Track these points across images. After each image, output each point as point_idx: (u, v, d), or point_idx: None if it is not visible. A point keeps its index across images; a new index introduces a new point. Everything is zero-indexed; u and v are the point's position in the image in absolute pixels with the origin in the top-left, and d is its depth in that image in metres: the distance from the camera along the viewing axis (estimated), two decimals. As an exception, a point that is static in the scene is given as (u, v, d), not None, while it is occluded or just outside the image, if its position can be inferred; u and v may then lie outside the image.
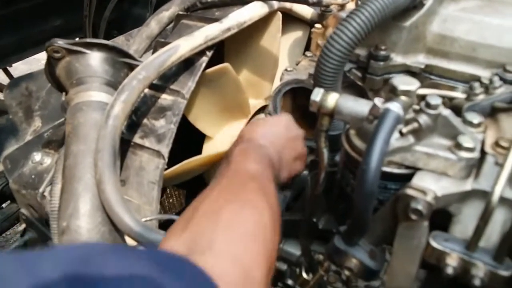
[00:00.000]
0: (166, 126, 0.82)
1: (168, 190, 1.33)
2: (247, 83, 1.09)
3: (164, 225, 0.92)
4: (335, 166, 0.67)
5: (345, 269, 0.54)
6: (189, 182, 1.18)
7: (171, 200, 1.34)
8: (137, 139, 0.84)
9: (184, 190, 1.36)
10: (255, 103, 1.13)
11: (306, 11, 1.10)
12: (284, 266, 0.84)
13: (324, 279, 0.73)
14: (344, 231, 0.55)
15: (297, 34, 1.16)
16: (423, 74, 0.75)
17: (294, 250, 0.83)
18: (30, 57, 1.76)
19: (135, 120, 0.85)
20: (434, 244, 0.49)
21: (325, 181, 0.64)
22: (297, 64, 1.01)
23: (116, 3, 1.61)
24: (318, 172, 0.63)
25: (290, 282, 0.83)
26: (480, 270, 0.46)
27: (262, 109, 1.12)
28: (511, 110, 0.54)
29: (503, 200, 0.46)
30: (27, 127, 1.00)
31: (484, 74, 0.69)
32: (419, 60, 0.75)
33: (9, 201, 1.26)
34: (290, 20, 1.11)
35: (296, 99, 1.00)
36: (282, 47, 1.12)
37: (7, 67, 1.79)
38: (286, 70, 0.97)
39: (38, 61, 2.30)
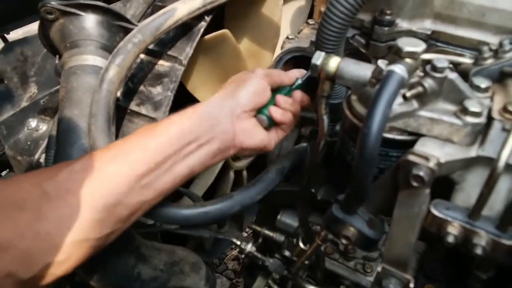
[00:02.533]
0: (163, 93, 0.80)
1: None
2: (247, 53, 1.06)
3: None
4: (335, 136, 0.65)
5: (342, 238, 0.53)
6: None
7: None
8: (133, 106, 0.82)
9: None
10: (255, 73, 1.10)
11: (310, -23, 1.06)
12: (281, 238, 0.84)
13: (322, 250, 0.72)
14: (342, 199, 0.53)
15: (300, 2, 1.13)
16: (429, 41, 0.73)
17: (292, 221, 0.82)
18: (27, 24, 1.73)
19: (131, 87, 0.82)
20: (435, 212, 0.47)
21: (324, 149, 0.62)
22: (299, 33, 0.98)
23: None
24: (317, 140, 0.61)
25: (287, 253, 0.82)
26: (482, 239, 0.45)
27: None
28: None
29: (509, 167, 0.44)
30: (22, 93, 0.97)
31: (493, 40, 0.66)
32: (426, 26, 0.72)
33: (8, 170, 1.25)
34: (293, -13, 1.08)
35: (297, 68, 0.97)
36: (285, 16, 1.09)
37: (5, 35, 1.76)
38: (287, 38, 0.94)
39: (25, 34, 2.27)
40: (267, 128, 0.67)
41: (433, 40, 0.72)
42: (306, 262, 0.67)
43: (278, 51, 1.04)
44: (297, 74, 0.69)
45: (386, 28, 0.71)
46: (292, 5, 1.12)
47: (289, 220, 0.81)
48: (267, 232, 0.84)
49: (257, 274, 0.89)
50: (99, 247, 0.55)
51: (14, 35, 1.79)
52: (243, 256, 0.81)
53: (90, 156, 0.54)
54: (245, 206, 0.70)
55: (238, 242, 0.81)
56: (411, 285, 0.50)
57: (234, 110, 0.62)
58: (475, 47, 0.67)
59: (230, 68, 0.99)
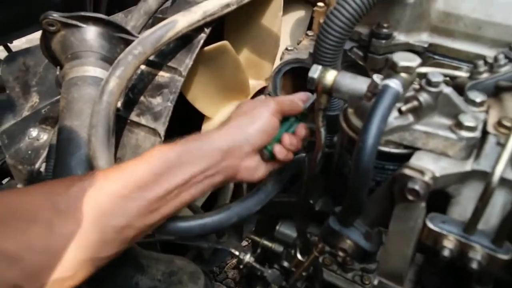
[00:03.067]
0: (163, 103, 0.81)
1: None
2: (247, 63, 1.07)
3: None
4: (333, 147, 0.65)
5: (339, 250, 0.53)
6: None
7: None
8: (133, 116, 0.82)
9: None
10: (255, 84, 1.11)
11: (309, -11, 1.07)
12: (280, 248, 0.84)
13: (320, 261, 0.72)
14: (339, 212, 0.53)
15: (299, 14, 1.14)
16: (426, 54, 0.73)
17: (291, 232, 0.82)
18: (30, 34, 1.74)
19: (131, 97, 0.83)
20: (431, 225, 0.47)
21: (322, 161, 0.62)
22: (298, 44, 0.99)
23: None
24: (315, 151, 0.62)
25: (286, 264, 0.82)
26: (478, 253, 0.45)
27: (262, 90, 1.10)
28: (516, 90, 0.52)
29: (503, 181, 0.44)
30: (24, 102, 0.98)
31: (489, 53, 0.67)
32: (423, 38, 0.73)
33: (9, 178, 1.25)
34: (293, -1, 1.09)
35: (296, 79, 0.97)
36: (284, 27, 1.10)
37: (8, 44, 1.77)
38: (286, 49, 0.95)
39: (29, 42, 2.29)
40: (267, 160, 0.67)
41: (430, 53, 0.73)
42: (304, 273, 0.67)
43: (277, 62, 1.05)
44: (303, 97, 0.68)
45: (384, 41, 0.72)
46: (291, 16, 1.13)
47: (287, 230, 0.82)
48: (265, 242, 0.84)
49: (255, 284, 0.89)
50: (102, 265, 0.55)
51: (17, 43, 1.81)
52: (241, 266, 0.81)
53: (103, 174, 0.55)
54: (243, 217, 0.70)
55: (237, 253, 0.81)
56: (407, 298, 0.51)
57: (243, 148, 0.62)
58: (472, 60, 0.67)
59: (230, 79, 1.00)
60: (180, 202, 0.58)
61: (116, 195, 0.53)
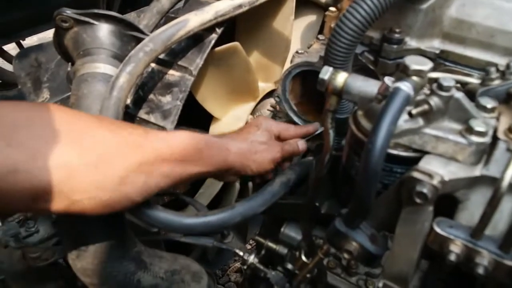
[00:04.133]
0: (172, 102, 0.81)
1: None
2: (257, 66, 1.07)
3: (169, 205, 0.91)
4: (341, 150, 0.65)
5: (344, 252, 0.53)
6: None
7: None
8: (142, 114, 0.83)
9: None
10: (264, 86, 1.11)
11: (322, -6, 1.07)
12: (284, 250, 0.83)
13: (324, 264, 0.72)
14: (345, 213, 0.53)
15: (311, 18, 1.14)
16: (438, 60, 0.73)
17: (295, 234, 0.81)
18: (42, 32, 1.76)
19: (141, 95, 0.84)
20: (438, 230, 0.47)
21: (329, 163, 0.62)
22: (308, 47, 0.99)
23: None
24: (322, 154, 0.62)
25: (290, 266, 0.81)
26: (484, 259, 0.45)
27: (271, 93, 1.10)
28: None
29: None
30: (35, 98, 0.99)
31: (501, 61, 0.66)
32: (435, 45, 0.72)
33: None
34: (305, 3, 1.09)
35: (305, 83, 0.97)
36: (296, 31, 1.10)
37: (20, 41, 1.80)
38: (297, 52, 0.95)
39: (40, 40, 2.31)
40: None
41: (441, 59, 0.73)
42: (308, 275, 0.67)
43: (287, 65, 1.05)
44: (310, 130, 0.86)
45: (395, 46, 0.72)
46: (303, 20, 1.14)
47: (292, 233, 0.81)
48: (270, 244, 0.84)
49: (258, 286, 0.88)
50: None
51: (29, 41, 1.83)
52: (245, 267, 0.81)
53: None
54: (248, 217, 0.70)
55: (241, 253, 0.81)
56: (412, 302, 0.50)
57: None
58: (483, 67, 0.67)
59: (240, 80, 1.01)
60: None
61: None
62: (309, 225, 0.70)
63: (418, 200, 0.46)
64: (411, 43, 0.73)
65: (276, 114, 1.10)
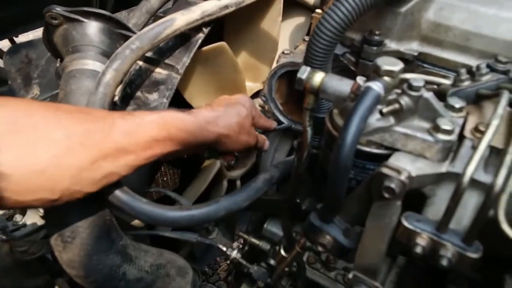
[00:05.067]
0: (159, 100, 0.83)
1: (162, 168, 1.35)
2: (245, 66, 1.09)
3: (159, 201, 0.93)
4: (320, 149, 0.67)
5: (318, 246, 0.55)
6: (184, 162, 1.20)
7: (165, 179, 1.34)
8: (129, 111, 0.84)
9: (178, 169, 1.37)
10: (252, 86, 1.13)
11: (309, -5, 1.10)
12: (267, 246, 0.85)
13: (303, 259, 0.74)
14: (320, 208, 0.55)
15: (299, 20, 1.16)
16: (416, 62, 0.75)
17: (278, 230, 0.83)
18: (36, 29, 1.77)
19: (129, 92, 0.85)
20: (405, 223, 0.49)
21: (307, 160, 0.64)
22: (295, 48, 1.01)
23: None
24: (301, 150, 0.64)
25: (272, 261, 0.83)
26: (448, 251, 0.47)
27: (258, 92, 1.12)
28: (495, 97, 0.54)
29: (475, 182, 0.46)
30: (25, 94, 1.01)
31: (477, 64, 0.69)
32: (413, 47, 0.75)
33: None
34: (293, 5, 1.11)
35: (291, 83, 1.00)
36: (284, 32, 1.12)
37: (14, 38, 1.81)
38: (283, 53, 0.97)
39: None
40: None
41: (419, 61, 0.75)
42: (286, 269, 0.69)
43: (275, 65, 1.07)
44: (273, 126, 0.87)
45: (375, 48, 0.74)
46: (291, 22, 1.16)
47: (275, 229, 0.83)
48: (253, 240, 0.86)
49: (242, 281, 0.90)
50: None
51: (23, 38, 1.84)
52: (228, 262, 0.83)
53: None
54: (232, 212, 0.72)
55: (224, 248, 0.83)
56: (379, 291, 0.52)
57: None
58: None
59: (227, 79, 1.02)
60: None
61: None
62: (289, 221, 0.72)
63: (386, 195, 0.48)
64: (391, 45, 0.75)
65: (264, 114, 1.13)
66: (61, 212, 0.68)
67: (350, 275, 0.53)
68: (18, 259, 0.98)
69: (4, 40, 1.82)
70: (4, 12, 1.60)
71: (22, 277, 1.01)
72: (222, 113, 0.73)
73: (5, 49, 1.89)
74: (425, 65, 0.75)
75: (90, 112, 0.62)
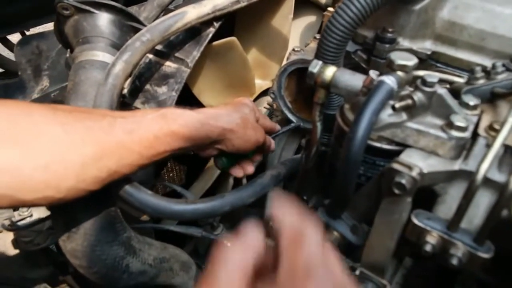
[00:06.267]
0: (168, 93, 0.83)
1: (169, 164, 1.34)
2: (255, 63, 1.09)
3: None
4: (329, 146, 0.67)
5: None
6: (191, 158, 1.19)
7: (171, 175, 1.34)
8: (138, 104, 0.84)
9: (185, 166, 1.37)
10: (261, 84, 1.13)
11: (322, -6, 1.09)
12: (272, 243, 0.84)
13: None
14: (328, 204, 0.54)
15: (310, 19, 1.15)
16: (429, 61, 0.74)
17: (284, 227, 0.82)
18: (46, 23, 1.78)
19: (138, 85, 0.85)
20: (415, 221, 0.48)
21: (316, 155, 0.63)
22: (305, 46, 1.00)
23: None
24: (310, 146, 0.63)
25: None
26: (459, 250, 0.46)
27: (267, 90, 1.12)
28: (510, 96, 0.53)
29: (488, 181, 0.45)
30: (34, 85, 1.01)
31: (489, 63, 0.68)
32: (426, 46, 0.74)
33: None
34: (304, 3, 1.11)
35: (301, 81, 0.99)
36: (295, 30, 1.12)
37: (25, 31, 1.81)
38: (293, 50, 0.96)
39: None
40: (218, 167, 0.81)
41: (433, 61, 0.74)
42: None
43: (285, 63, 1.07)
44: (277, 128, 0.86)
45: (387, 45, 0.73)
46: (302, 20, 1.15)
47: (280, 226, 0.82)
48: (258, 237, 0.85)
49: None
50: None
51: (34, 31, 1.85)
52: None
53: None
54: (236, 207, 0.71)
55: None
56: (387, 289, 0.51)
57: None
58: (473, 69, 0.68)
59: (236, 75, 1.02)
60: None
61: None
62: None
63: (396, 191, 0.47)
64: (404, 43, 0.74)
65: (272, 112, 1.12)
66: (66, 203, 0.68)
67: (357, 272, 0.52)
68: (23, 249, 0.98)
69: (15, 34, 1.83)
70: (15, 6, 1.61)
71: (26, 267, 1.01)
72: (224, 110, 0.71)
73: (15, 41, 1.91)
74: (439, 65, 0.74)
75: (89, 111, 0.63)
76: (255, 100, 1.13)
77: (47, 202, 0.55)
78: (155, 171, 1.04)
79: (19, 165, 0.51)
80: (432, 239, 0.47)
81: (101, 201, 0.70)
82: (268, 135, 0.82)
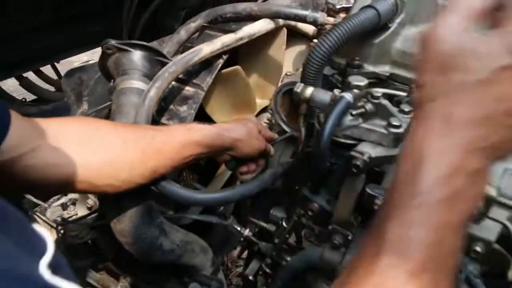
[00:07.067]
0: (187, 111, 1.06)
1: (184, 173, 1.56)
2: (255, 85, 1.32)
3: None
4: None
5: (308, 211, 0.76)
6: (202, 168, 1.41)
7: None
8: (164, 120, 1.07)
9: (197, 175, 1.59)
10: (261, 102, 1.36)
11: (309, 28, 1.32)
12: (273, 228, 1.06)
13: (301, 233, 0.94)
14: (309, 183, 0.76)
15: (300, 48, 1.39)
16: (388, 81, 0.97)
17: (281, 214, 1.04)
18: (72, 56, 2.04)
19: (163, 105, 1.08)
20: (368, 191, 0.70)
21: (302, 153, 0.86)
22: (296, 70, 1.24)
23: (151, 14, 1.88)
24: (298, 145, 0.85)
25: (277, 240, 1.04)
26: (396, 208, 0.67)
27: (266, 108, 1.35)
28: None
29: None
30: (76, 108, 1.24)
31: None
32: (385, 69, 0.96)
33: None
34: (295, 36, 1.34)
35: (293, 99, 1.21)
36: (288, 58, 1.35)
37: (55, 64, 2.07)
38: (286, 74, 1.20)
39: (71, 63, 2.61)
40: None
41: (391, 80, 0.96)
42: (287, 236, 0.89)
43: (280, 84, 1.30)
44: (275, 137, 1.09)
45: (356, 70, 0.96)
46: (294, 49, 1.38)
47: (279, 213, 1.04)
48: (261, 223, 1.06)
49: (252, 259, 1.10)
50: None
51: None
52: (241, 239, 1.04)
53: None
54: (244, 196, 0.94)
55: (238, 228, 1.03)
56: (350, 237, 0.73)
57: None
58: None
59: (240, 97, 1.25)
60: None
61: None
62: (290, 203, 0.93)
63: (354, 170, 0.69)
64: (368, 68, 0.97)
65: (271, 126, 1.34)
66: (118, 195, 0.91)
67: (330, 227, 0.74)
68: (68, 243, 1.19)
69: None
70: (46, 42, 1.87)
71: (71, 258, 1.22)
72: (234, 124, 0.96)
73: (45, 71, 2.17)
74: (396, 83, 0.96)
75: (138, 127, 0.88)
76: (256, 115, 1.36)
77: (111, 189, 0.78)
78: (178, 175, 1.26)
79: (92, 161, 0.74)
80: (379, 202, 0.69)
81: (142, 194, 0.92)
82: (268, 143, 1.05)
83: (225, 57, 1.08)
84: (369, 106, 0.73)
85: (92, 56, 2.68)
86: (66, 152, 0.70)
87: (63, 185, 0.72)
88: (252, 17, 1.14)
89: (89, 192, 0.85)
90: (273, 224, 1.05)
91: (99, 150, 0.75)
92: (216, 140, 0.89)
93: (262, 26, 1.12)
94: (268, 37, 1.23)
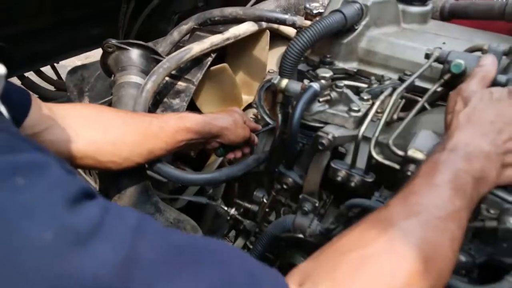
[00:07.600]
0: (180, 103, 1.18)
1: (178, 165, 1.69)
2: (242, 82, 1.45)
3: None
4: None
5: (283, 184, 0.89)
6: (193, 160, 1.54)
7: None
8: (159, 111, 1.20)
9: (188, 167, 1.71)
10: (247, 98, 1.49)
11: (291, 31, 1.46)
12: (256, 208, 1.19)
13: (279, 208, 1.07)
14: (284, 161, 0.90)
15: (282, 48, 1.49)
16: (356, 76, 1.10)
17: (263, 193, 1.17)
18: (71, 57, 2.16)
19: (158, 99, 1.21)
20: (333, 165, 0.83)
21: (280, 138, 0.99)
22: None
23: (145, 18, 2.01)
24: (275, 131, 0.98)
25: (259, 219, 1.16)
26: (355, 178, 0.81)
27: (251, 104, 1.48)
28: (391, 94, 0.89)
29: (364, 138, 0.80)
30: (79, 103, 1.36)
31: (394, 76, 1.04)
32: (353, 65, 1.10)
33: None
34: (278, 37, 1.48)
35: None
36: (271, 58, 1.48)
37: (55, 64, 2.19)
38: (269, 72, 1.33)
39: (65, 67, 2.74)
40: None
41: (358, 75, 1.10)
42: (267, 210, 1.02)
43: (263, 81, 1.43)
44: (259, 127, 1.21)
45: (327, 66, 1.09)
46: (277, 50, 1.52)
47: (261, 193, 1.17)
48: (246, 204, 1.19)
49: (238, 236, 1.23)
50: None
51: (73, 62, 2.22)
52: (228, 218, 1.16)
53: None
54: (230, 177, 1.06)
55: (226, 208, 1.16)
56: (317, 204, 0.86)
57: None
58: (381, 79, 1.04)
59: (227, 92, 1.38)
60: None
61: None
62: (270, 181, 1.06)
63: (320, 147, 0.82)
64: (338, 64, 1.10)
65: (257, 121, 1.47)
66: (117, 175, 1.03)
67: (300, 196, 0.87)
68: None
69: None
70: (47, 44, 1.99)
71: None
72: (221, 114, 1.08)
73: (47, 73, 2.28)
74: (362, 78, 1.10)
75: (137, 113, 1.00)
76: (243, 110, 1.49)
77: (113, 166, 0.90)
78: (172, 159, 1.39)
79: (98, 140, 0.87)
80: (341, 174, 0.82)
81: (140, 174, 1.04)
82: (252, 133, 1.18)
83: (213, 55, 1.21)
84: (334, 95, 0.86)
85: (85, 60, 2.80)
86: (74, 130, 0.83)
87: (72, 159, 0.85)
88: (238, 20, 1.27)
89: (94, 167, 0.97)
90: (256, 204, 1.18)
91: (103, 130, 0.87)
92: (205, 127, 1.02)
93: (247, 28, 1.25)
94: (253, 39, 1.36)
